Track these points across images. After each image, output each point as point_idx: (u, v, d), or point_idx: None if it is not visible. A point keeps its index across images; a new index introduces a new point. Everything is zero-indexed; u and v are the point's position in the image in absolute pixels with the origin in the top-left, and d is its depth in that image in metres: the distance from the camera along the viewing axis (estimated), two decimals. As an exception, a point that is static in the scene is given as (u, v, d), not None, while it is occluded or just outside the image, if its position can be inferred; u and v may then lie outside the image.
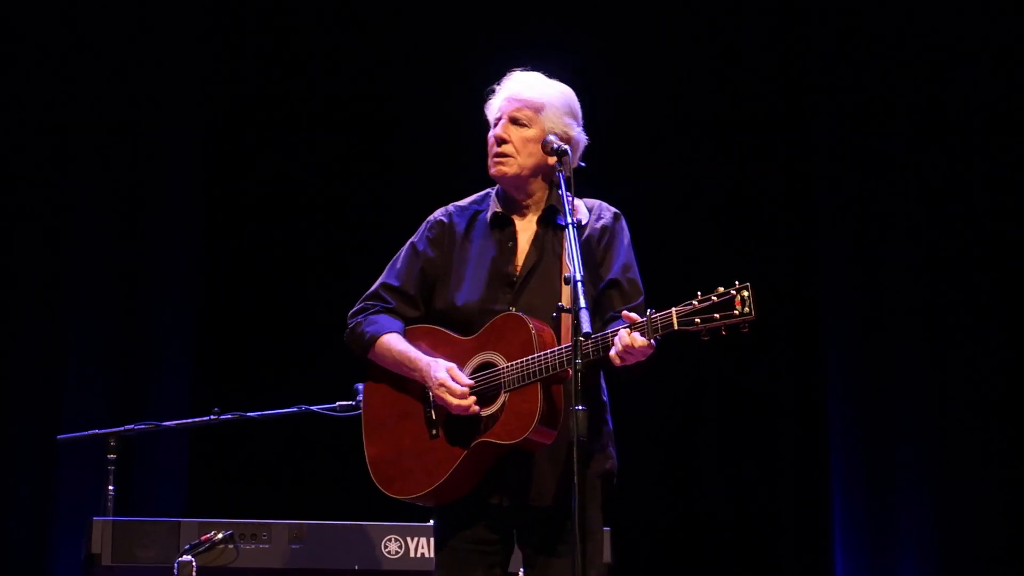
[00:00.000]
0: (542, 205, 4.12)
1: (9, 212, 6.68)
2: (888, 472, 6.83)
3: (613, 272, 4.07)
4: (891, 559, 6.76)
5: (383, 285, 4.16)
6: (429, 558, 5.05)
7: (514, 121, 4.08)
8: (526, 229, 4.12)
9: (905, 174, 6.98)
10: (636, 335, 3.75)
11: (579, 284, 3.68)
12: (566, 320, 3.90)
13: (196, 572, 4.78)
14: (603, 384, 4.10)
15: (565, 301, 3.89)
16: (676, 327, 3.75)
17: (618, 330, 3.79)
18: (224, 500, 6.18)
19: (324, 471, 6.62)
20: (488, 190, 4.23)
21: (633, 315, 3.80)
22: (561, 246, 4.03)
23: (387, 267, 4.20)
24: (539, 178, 4.11)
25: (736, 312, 3.70)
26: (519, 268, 4.07)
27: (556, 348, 3.86)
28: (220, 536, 4.92)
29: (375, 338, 4.07)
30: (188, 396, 6.64)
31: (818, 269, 7.06)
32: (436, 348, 4.04)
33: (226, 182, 6.97)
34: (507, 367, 3.91)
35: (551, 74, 4.17)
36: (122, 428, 5.35)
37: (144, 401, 6.60)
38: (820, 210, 7.09)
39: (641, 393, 6.75)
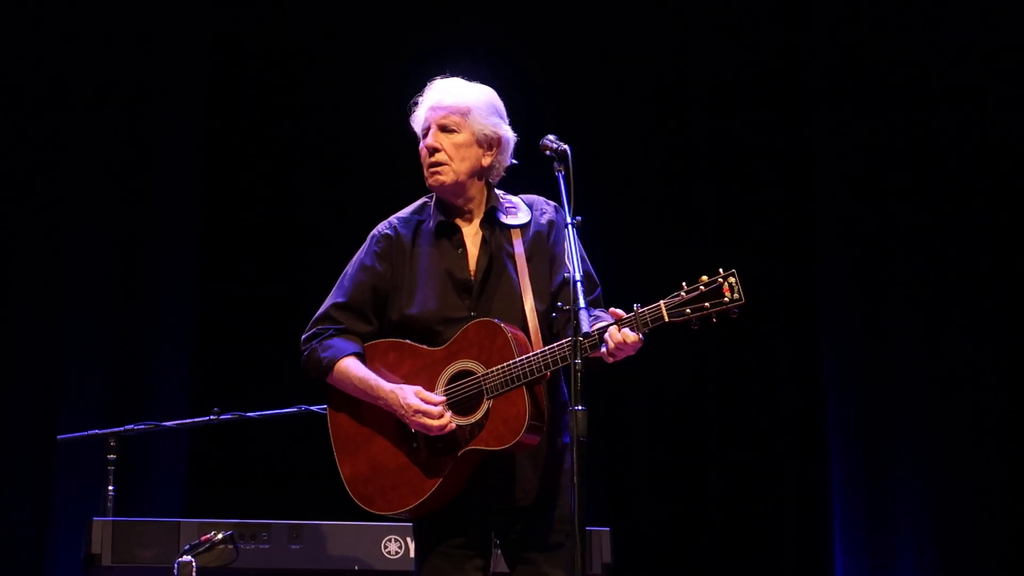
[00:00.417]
0: (483, 207, 4.14)
1: (7, 212, 6.68)
2: (888, 471, 6.83)
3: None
4: (891, 558, 6.76)
5: (332, 306, 4.14)
6: (429, 558, 5.05)
7: (443, 128, 4.10)
8: (472, 233, 4.13)
9: (906, 172, 6.97)
10: (627, 331, 3.77)
11: (578, 284, 3.68)
12: (532, 321, 3.94)
13: (196, 572, 4.77)
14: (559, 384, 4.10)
15: (528, 300, 3.95)
16: (666, 319, 3.77)
17: (607, 327, 3.79)
18: (224, 500, 6.17)
19: (324, 471, 6.55)
20: (424, 199, 4.24)
21: (619, 311, 3.82)
22: (510, 244, 4.06)
23: (334, 288, 4.19)
24: (476, 180, 4.13)
25: (726, 299, 3.74)
26: (473, 272, 4.08)
27: (538, 351, 3.88)
28: (220, 536, 4.91)
29: (332, 363, 4.06)
30: (187, 396, 6.64)
31: (817, 267, 7.05)
32: (403, 361, 4.03)
33: (224, 181, 6.97)
34: (487, 374, 3.90)
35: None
36: (122, 428, 5.35)
37: (144, 401, 6.59)
38: (819, 207, 7.08)
39: (641, 393, 6.81)
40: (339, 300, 4.14)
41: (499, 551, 4.09)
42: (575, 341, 3.64)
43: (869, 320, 6.96)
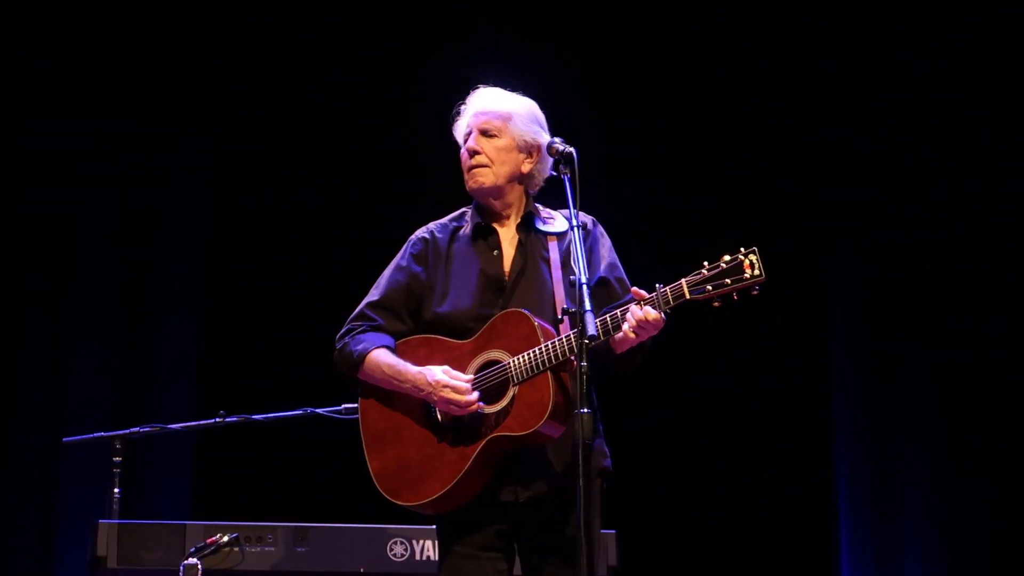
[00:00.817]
0: (521, 212, 4.20)
1: (15, 216, 6.69)
2: (894, 472, 6.82)
3: (601, 271, 4.15)
4: (897, 559, 6.75)
5: (367, 304, 4.21)
6: (435, 561, 5.03)
7: (484, 133, 4.17)
8: (508, 236, 4.19)
9: (910, 172, 6.97)
10: (648, 308, 3.81)
11: (584, 287, 3.73)
12: (565, 320, 3.94)
13: (201, 575, 4.78)
14: (593, 385, 4.09)
15: (560, 302, 3.98)
16: (688, 296, 3.81)
17: (628, 307, 3.84)
18: (229, 503, 6.18)
19: (329, 474, 6.61)
20: (464, 208, 4.30)
21: (641, 291, 3.87)
22: (546, 249, 4.11)
23: (371, 289, 4.25)
24: (515, 185, 4.19)
25: (746, 276, 3.77)
26: (507, 273, 4.13)
27: (563, 335, 3.89)
28: (225, 539, 4.92)
29: (363, 356, 4.10)
30: (193, 399, 6.64)
31: (824, 266, 7.05)
32: (434, 355, 4.06)
33: (232, 186, 6.97)
34: (513, 361, 3.93)
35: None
36: (127, 431, 5.36)
37: (149, 404, 6.60)
38: (824, 208, 7.08)
39: (645, 394, 6.80)
40: (373, 299, 4.21)
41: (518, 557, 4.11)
42: (580, 343, 3.66)
43: (875, 320, 6.96)
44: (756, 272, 3.78)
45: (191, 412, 6.17)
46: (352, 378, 4.16)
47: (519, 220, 4.20)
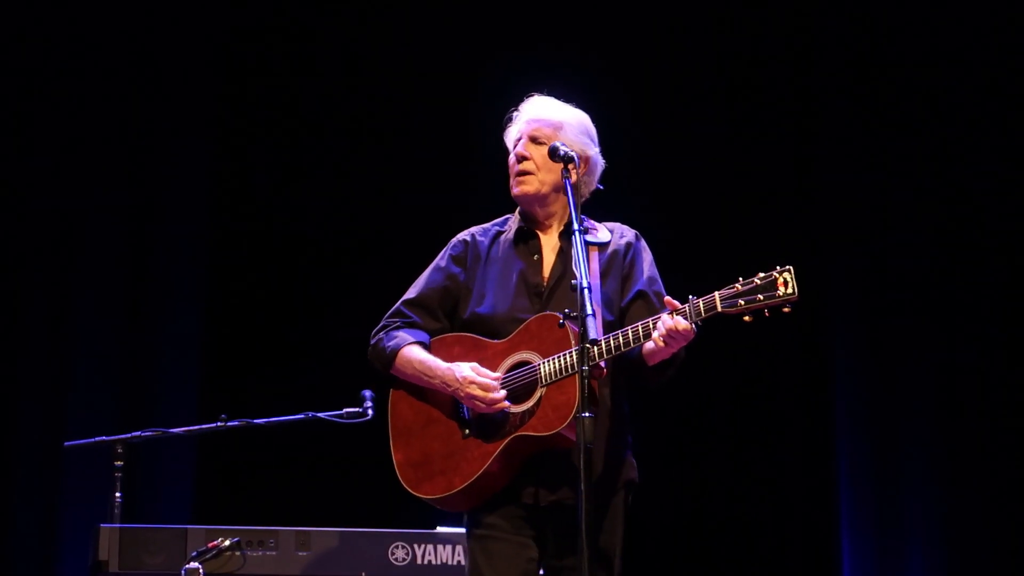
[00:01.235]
0: (563, 220, 4.24)
1: (17, 219, 6.69)
2: (896, 472, 6.82)
3: (640, 284, 4.19)
4: (899, 559, 6.75)
5: (404, 302, 4.28)
6: (436, 565, 5.05)
7: (533, 140, 4.21)
8: (549, 243, 4.24)
9: (914, 175, 6.96)
10: (679, 318, 3.85)
11: (586, 291, 3.73)
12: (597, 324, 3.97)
13: (203, 579, 4.78)
14: (624, 395, 4.18)
15: (597, 311, 3.97)
16: (719, 309, 3.85)
17: (659, 316, 3.88)
18: (231, 507, 6.18)
19: (331, 478, 6.61)
20: (507, 216, 4.36)
21: (674, 301, 3.90)
22: (589, 258, 4.10)
23: (409, 288, 4.31)
24: (560, 194, 4.22)
25: (779, 293, 3.85)
26: (546, 279, 4.18)
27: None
28: (227, 543, 4.92)
29: (395, 352, 4.16)
30: (195, 403, 6.64)
31: (826, 268, 7.04)
32: (468, 353, 4.12)
33: (233, 189, 6.97)
34: (543, 362, 3.98)
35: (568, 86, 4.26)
36: (129, 435, 5.35)
37: (151, 408, 6.59)
38: (828, 213, 7.07)
39: (649, 395, 6.79)
40: (410, 297, 4.28)
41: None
42: (583, 348, 3.67)
43: (878, 321, 6.95)
44: (789, 290, 3.85)
45: (192, 416, 6.16)
46: (386, 373, 4.22)
47: (561, 228, 4.23)
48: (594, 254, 4.16)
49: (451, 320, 4.24)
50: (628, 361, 4.09)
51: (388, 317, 4.27)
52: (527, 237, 4.24)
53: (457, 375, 4.04)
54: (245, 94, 7.03)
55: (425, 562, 5.06)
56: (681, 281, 4.20)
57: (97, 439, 5.36)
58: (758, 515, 6.95)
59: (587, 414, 3.60)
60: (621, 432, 4.16)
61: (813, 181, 7.11)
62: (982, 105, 6.91)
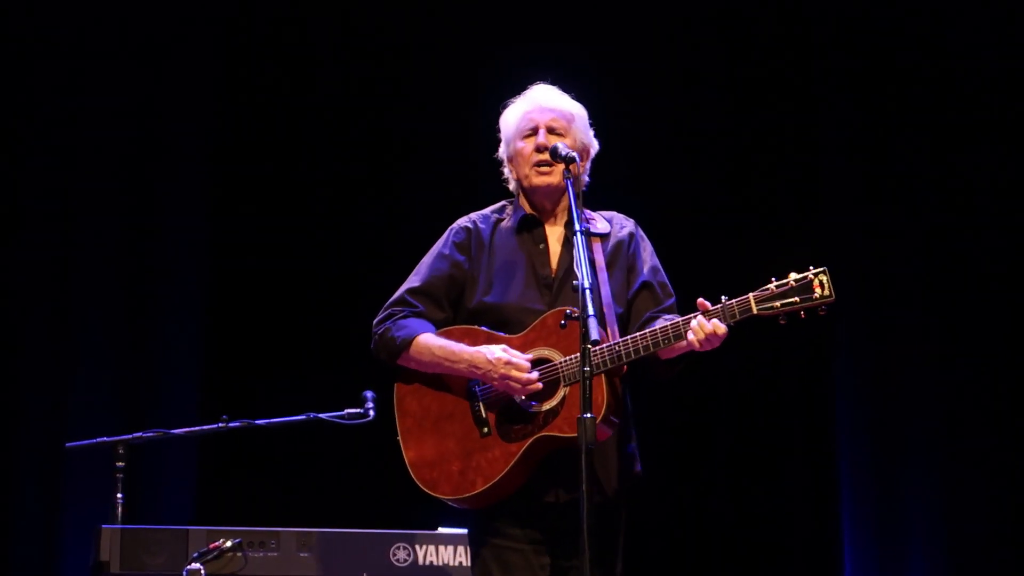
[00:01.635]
0: (567, 213, 4.16)
1: (15, 218, 6.68)
2: (897, 475, 6.81)
3: (644, 275, 4.14)
4: (900, 562, 6.74)
5: (408, 291, 4.15)
6: (438, 566, 5.05)
7: (551, 131, 4.15)
8: (555, 233, 4.18)
9: (916, 178, 6.96)
10: (717, 322, 3.81)
11: (587, 292, 3.68)
12: (611, 322, 3.96)
13: (204, 580, 4.79)
14: (628, 389, 4.14)
15: (607, 303, 3.97)
16: (755, 311, 3.83)
17: (690, 318, 3.84)
18: (232, 508, 6.18)
19: (332, 479, 6.61)
20: (502, 202, 4.30)
21: (706, 302, 3.86)
22: (591, 251, 4.08)
23: (410, 276, 4.20)
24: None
25: (816, 295, 3.82)
26: (554, 270, 4.11)
27: (619, 339, 3.89)
28: (228, 544, 4.92)
29: (408, 341, 4.04)
30: (196, 404, 6.64)
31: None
32: (479, 346, 4.00)
33: (233, 188, 6.97)
34: (566, 361, 3.89)
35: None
36: (130, 436, 5.35)
37: (152, 409, 6.59)
38: (828, 216, 7.07)
39: (651, 398, 6.79)
40: (414, 285, 4.15)
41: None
42: (584, 349, 3.63)
43: (880, 324, 6.95)
44: (826, 292, 3.82)
45: (194, 417, 6.15)
46: (392, 364, 4.10)
47: (566, 219, 4.16)
48: (596, 245, 4.11)
49: (455, 310, 4.14)
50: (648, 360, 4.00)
51: (392, 306, 4.14)
52: (531, 226, 4.17)
53: (489, 356, 3.92)
54: (246, 87, 7.01)
55: (427, 563, 5.06)
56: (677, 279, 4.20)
57: (98, 440, 5.36)
58: (759, 517, 6.94)
59: (589, 415, 3.55)
60: (627, 427, 4.12)
61: (814, 187, 7.10)
62: (982, 105, 6.91)
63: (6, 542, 6.48)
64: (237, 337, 6.86)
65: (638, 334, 3.88)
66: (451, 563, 5.06)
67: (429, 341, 4.02)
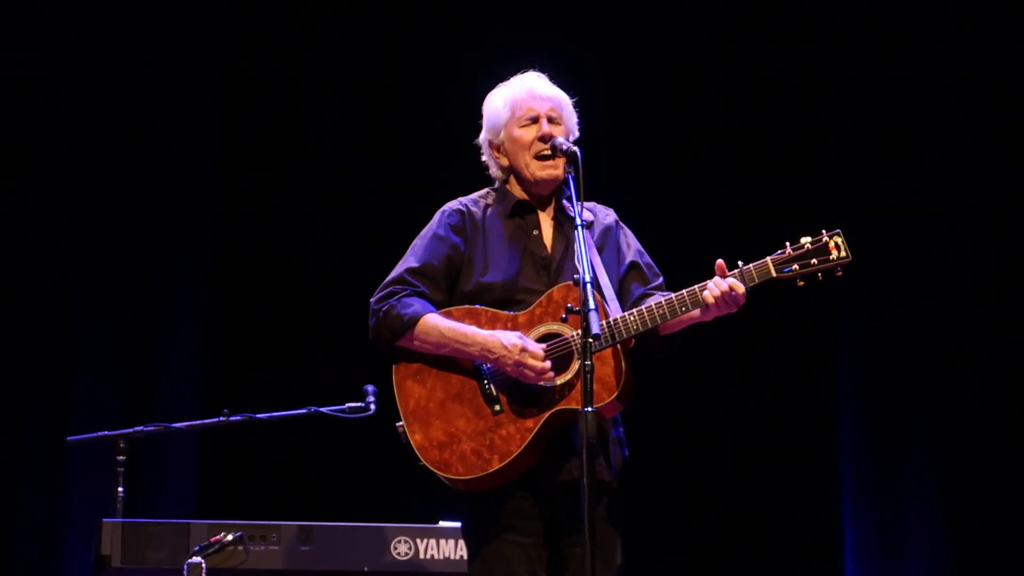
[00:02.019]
0: (555, 201, 4.15)
1: (19, 216, 6.69)
2: (898, 475, 6.82)
3: (632, 255, 4.13)
4: (901, 561, 6.75)
5: (406, 270, 4.06)
6: (439, 559, 5.05)
7: (551, 120, 4.12)
8: (546, 220, 4.15)
9: (917, 180, 6.96)
10: (734, 281, 3.78)
11: (588, 285, 3.66)
12: (612, 300, 3.94)
13: (206, 573, 4.79)
14: None
15: (604, 280, 3.94)
16: (774, 274, 3.81)
17: (705, 284, 3.81)
18: (234, 501, 6.19)
19: (333, 472, 6.62)
20: (486, 189, 4.26)
21: (723, 264, 3.82)
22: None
23: (404, 257, 4.12)
24: None
25: (833, 257, 3.82)
26: (550, 251, 4.09)
27: (634, 310, 3.86)
28: (230, 537, 4.92)
29: (415, 319, 3.94)
30: (197, 398, 6.65)
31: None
32: (483, 326, 3.95)
33: (234, 186, 6.98)
34: (578, 334, 3.79)
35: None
36: (131, 430, 5.35)
37: (153, 403, 6.60)
38: (830, 215, 7.06)
39: (649, 396, 6.79)
40: (412, 265, 4.06)
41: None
42: (585, 343, 3.60)
43: (880, 323, 6.95)
44: (843, 254, 3.83)
45: (195, 411, 6.17)
46: (392, 345, 3.99)
47: (554, 207, 4.14)
48: (585, 232, 4.01)
49: (450, 292, 4.06)
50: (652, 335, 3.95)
51: (391, 284, 4.03)
52: (523, 212, 4.13)
53: (505, 343, 3.84)
54: (249, 101, 7.03)
55: (427, 556, 5.07)
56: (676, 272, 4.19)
57: (100, 434, 5.36)
58: (760, 518, 6.95)
59: (590, 408, 3.52)
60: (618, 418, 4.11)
61: (815, 176, 7.10)
62: (982, 105, 6.91)
63: (8, 536, 6.49)
64: (238, 331, 6.87)
65: (652, 303, 3.84)
66: (452, 556, 5.07)
67: (437, 321, 3.93)
